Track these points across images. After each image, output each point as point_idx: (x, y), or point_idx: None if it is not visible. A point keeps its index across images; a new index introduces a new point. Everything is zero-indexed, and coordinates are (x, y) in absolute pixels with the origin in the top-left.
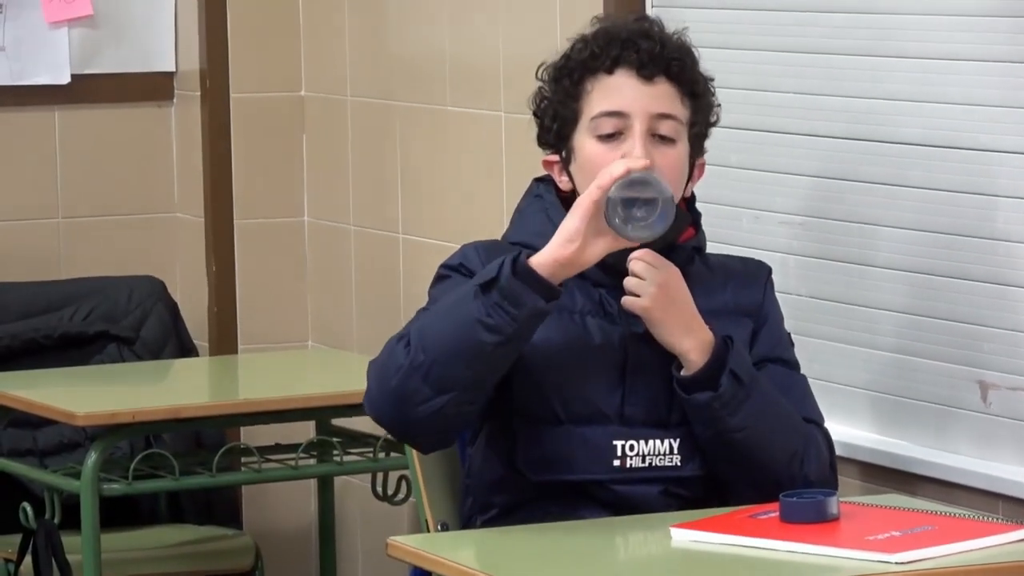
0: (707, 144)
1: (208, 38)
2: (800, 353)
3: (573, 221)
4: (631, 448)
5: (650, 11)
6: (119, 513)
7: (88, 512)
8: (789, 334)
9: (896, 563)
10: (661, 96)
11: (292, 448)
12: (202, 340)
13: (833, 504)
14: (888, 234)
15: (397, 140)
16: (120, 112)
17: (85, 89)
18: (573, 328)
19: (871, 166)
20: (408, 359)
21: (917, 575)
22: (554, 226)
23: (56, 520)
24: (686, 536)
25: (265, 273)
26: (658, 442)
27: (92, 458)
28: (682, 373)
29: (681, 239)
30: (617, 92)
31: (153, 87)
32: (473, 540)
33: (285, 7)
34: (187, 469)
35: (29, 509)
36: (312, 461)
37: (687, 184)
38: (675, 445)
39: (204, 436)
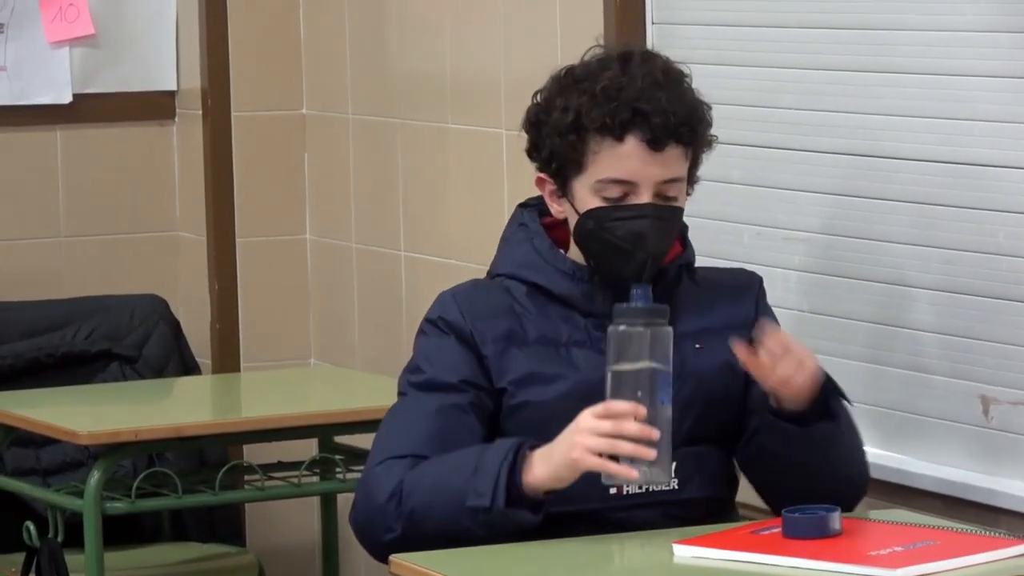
0: (705, 158)
1: (209, 57)
2: None
3: (569, 471)
4: None
5: (650, 28)
6: (122, 531)
7: (91, 531)
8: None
9: None
10: (669, 162)
11: (295, 466)
12: (204, 358)
13: (836, 520)
14: (890, 249)
15: (399, 157)
16: (122, 131)
17: (87, 108)
18: (560, 361)
19: (873, 182)
20: (396, 525)
21: None
22: (539, 256)
23: (59, 539)
24: (688, 552)
25: (267, 291)
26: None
27: (95, 477)
28: (788, 407)
29: (668, 258)
30: (626, 161)
31: (155, 106)
32: (475, 557)
33: (286, 25)
34: (190, 487)
35: (32, 528)
36: (315, 479)
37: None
38: (672, 468)
39: (207, 454)
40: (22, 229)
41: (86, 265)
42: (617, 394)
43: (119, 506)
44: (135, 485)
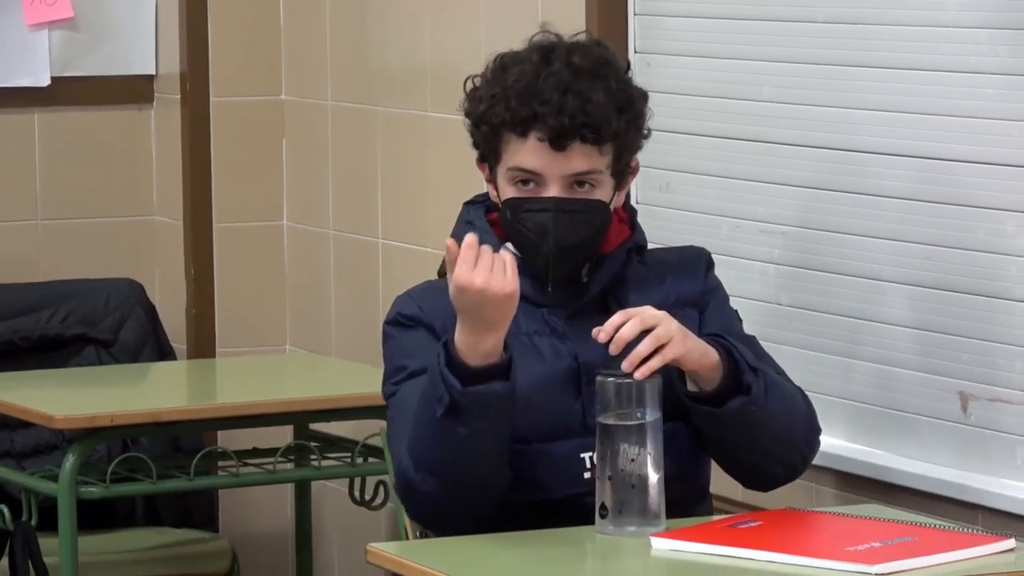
0: (685, 151)
1: (188, 41)
2: (779, 362)
3: (471, 313)
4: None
5: (631, 20)
6: (96, 515)
7: (65, 515)
8: (736, 311)
9: (876, 574)
10: (575, 158)
11: (270, 452)
12: (180, 343)
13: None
14: (869, 244)
15: (377, 145)
16: (100, 115)
17: (65, 92)
18: (523, 350)
19: (852, 176)
20: (430, 492)
21: None
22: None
23: (33, 522)
24: (665, 545)
25: (244, 277)
26: None
27: (70, 461)
28: (701, 388)
29: (615, 243)
30: (531, 155)
31: (133, 90)
32: (453, 548)
33: (265, 11)
34: (164, 473)
35: (6, 511)
36: (290, 465)
37: (618, 193)
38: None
39: (182, 440)
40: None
41: (62, 249)
42: (606, 444)
43: (93, 491)
44: (110, 470)
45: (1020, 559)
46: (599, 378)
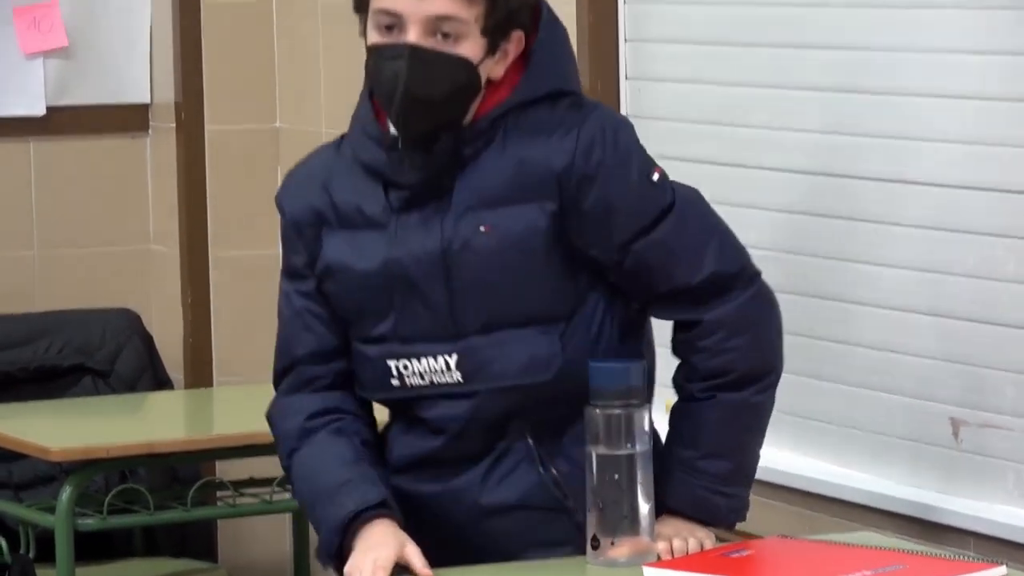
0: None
1: (183, 70)
2: None
3: None
4: (405, 367)
5: (622, 24)
6: (94, 546)
7: (63, 547)
8: (649, 168)
9: None
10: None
11: (267, 482)
12: (177, 372)
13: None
14: (858, 270)
15: None
16: (95, 144)
17: (60, 121)
18: (350, 251)
19: (841, 201)
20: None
21: None
22: (357, 121)
23: (31, 554)
24: (658, 575)
25: (240, 305)
26: (432, 360)
27: (67, 493)
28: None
29: (488, 106)
30: None
31: (128, 119)
32: None
33: (260, 39)
34: (162, 503)
35: (3, 543)
36: (286, 495)
37: (492, 61)
38: (451, 362)
39: (179, 469)
40: None
41: (59, 278)
42: (597, 475)
43: (90, 523)
44: (107, 501)
45: None
46: (586, 409)
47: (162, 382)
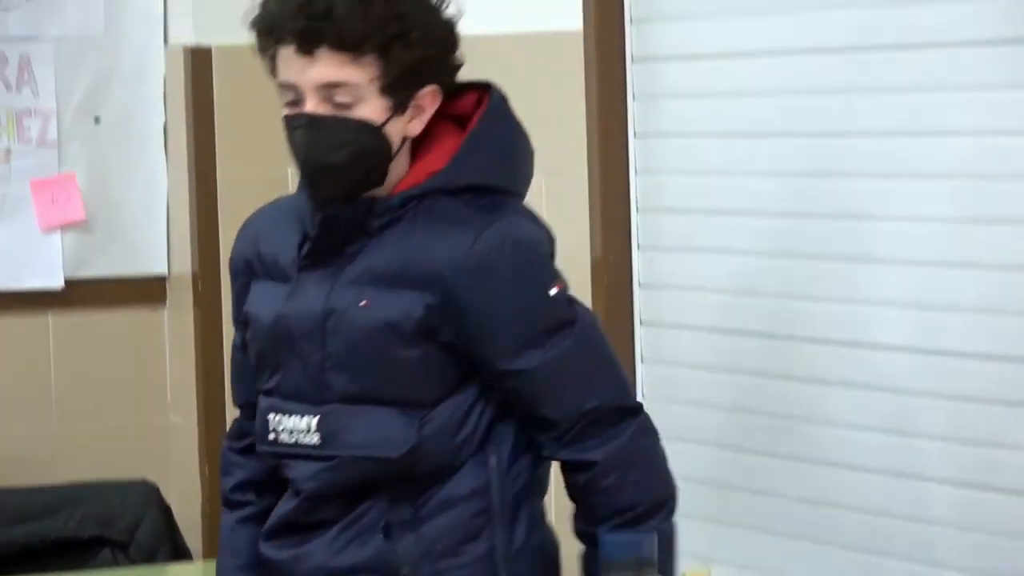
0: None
1: (200, 241)
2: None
3: None
4: (279, 423)
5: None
6: None
7: None
8: (549, 282)
9: None
10: (324, 67)
11: None
12: (196, 543)
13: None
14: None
15: None
16: (113, 316)
17: (78, 293)
18: (261, 295)
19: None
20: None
21: None
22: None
23: None
24: None
25: None
26: (298, 419)
27: None
28: None
29: (402, 186)
30: (287, 65)
31: (146, 291)
32: None
33: None
34: None
35: None
36: None
37: (402, 119)
38: (312, 424)
39: None
40: (13, 414)
41: (78, 450)
42: None
43: None
44: None
45: None
46: (602, 534)
47: (181, 553)
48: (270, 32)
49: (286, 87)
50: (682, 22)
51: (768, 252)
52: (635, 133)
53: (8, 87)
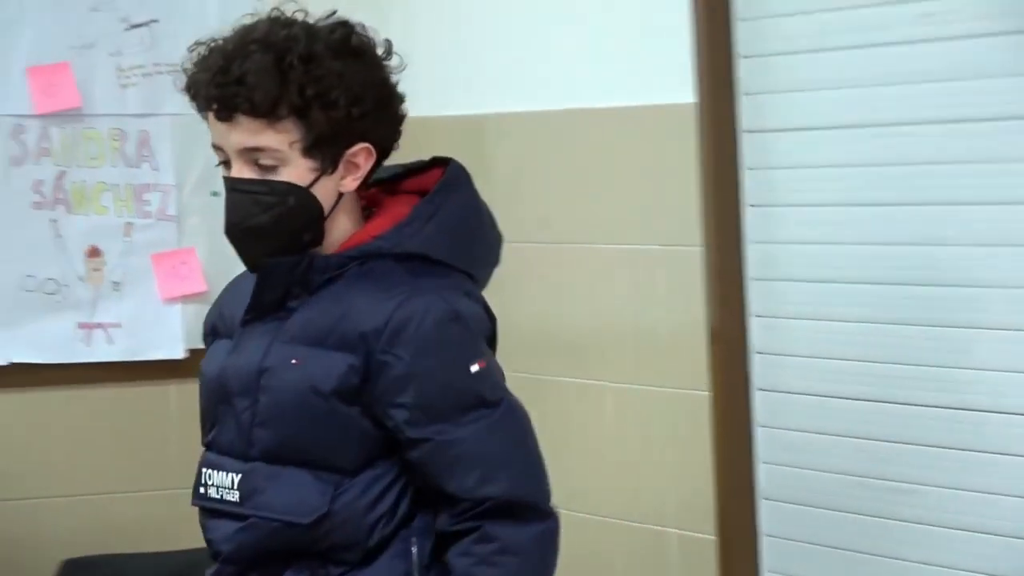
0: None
1: None
2: None
3: None
4: (209, 477)
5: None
6: None
7: None
8: (470, 359)
9: None
10: (242, 133)
11: None
12: None
13: None
14: None
15: None
16: None
17: (199, 363)
18: (213, 350)
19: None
20: None
21: None
22: None
23: None
24: None
25: None
26: (224, 474)
27: None
28: None
29: (347, 244)
30: (214, 129)
31: None
32: None
33: None
34: None
35: None
36: None
37: (346, 178)
38: (235, 480)
39: None
40: (139, 482)
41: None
42: None
43: None
44: None
45: None
46: None
47: None
48: (193, 98)
49: (216, 150)
50: (792, 95)
51: (883, 319)
52: (748, 203)
53: (128, 162)
